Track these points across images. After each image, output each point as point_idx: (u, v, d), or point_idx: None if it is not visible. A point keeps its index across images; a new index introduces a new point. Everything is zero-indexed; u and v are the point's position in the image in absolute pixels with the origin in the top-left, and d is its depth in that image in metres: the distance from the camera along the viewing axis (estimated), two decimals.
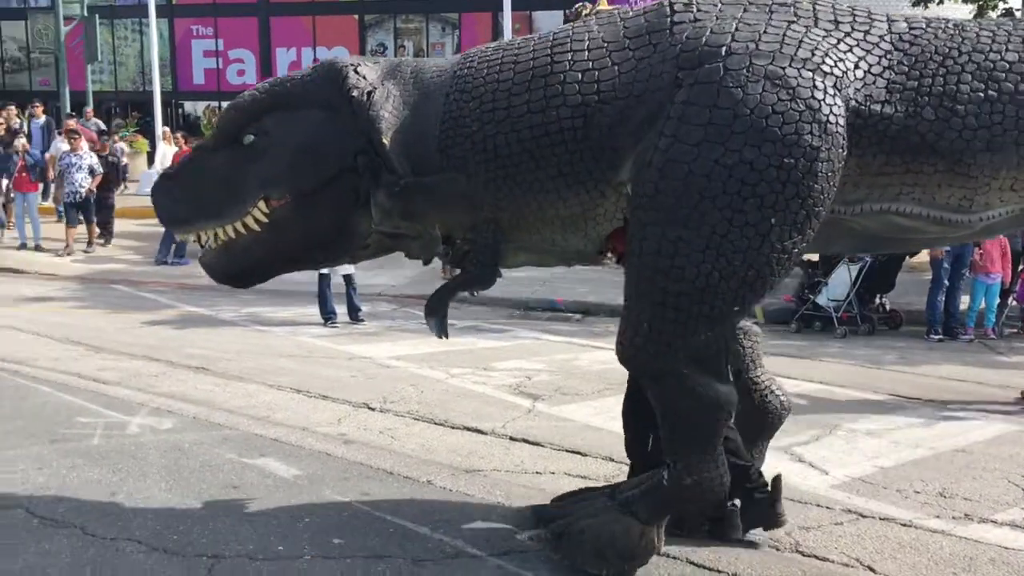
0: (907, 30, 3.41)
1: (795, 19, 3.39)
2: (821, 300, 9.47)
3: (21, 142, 14.02)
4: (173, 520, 4.16)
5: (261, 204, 3.89)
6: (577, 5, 4.19)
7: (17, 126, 16.33)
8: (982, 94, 3.24)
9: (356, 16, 27.16)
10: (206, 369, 7.14)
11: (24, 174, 13.35)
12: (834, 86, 3.24)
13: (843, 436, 5.78)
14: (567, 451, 5.25)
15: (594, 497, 3.98)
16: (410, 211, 3.73)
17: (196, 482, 4.65)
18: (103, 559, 3.79)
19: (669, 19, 3.48)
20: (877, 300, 9.61)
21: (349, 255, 4.16)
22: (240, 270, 4.10)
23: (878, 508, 4.54)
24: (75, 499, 4.39)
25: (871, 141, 3.29)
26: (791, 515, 4.39)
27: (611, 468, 5.03)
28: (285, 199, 3.87)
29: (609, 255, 3.92)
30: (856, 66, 3.30)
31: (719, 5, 3.50)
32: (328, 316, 9.15)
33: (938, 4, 13.68)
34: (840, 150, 3.23)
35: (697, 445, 3.50)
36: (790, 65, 3.23)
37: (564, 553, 3.72)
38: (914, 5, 13.87)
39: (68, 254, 12.85)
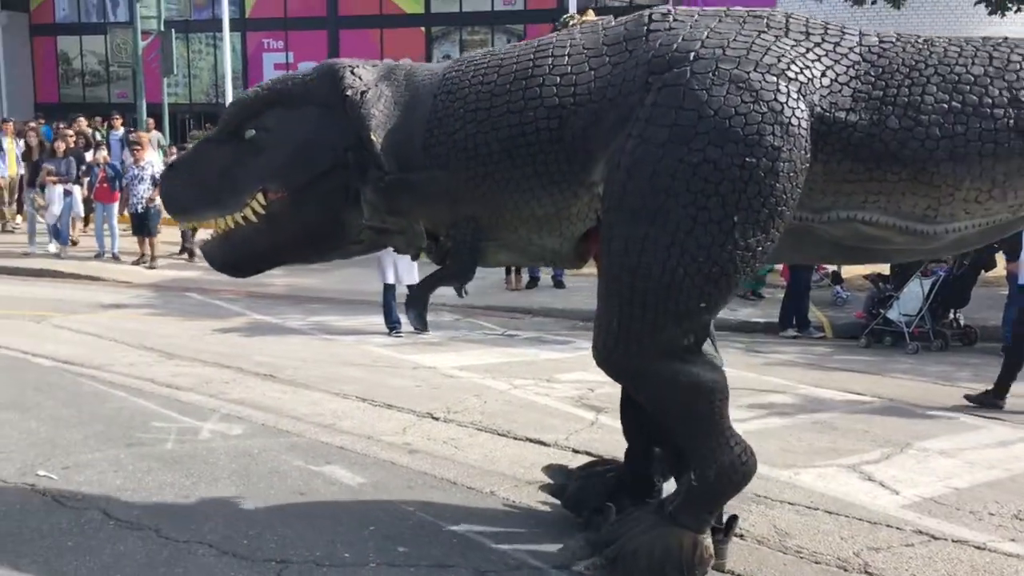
0: (877, 43, 3.52)
1: (766, 29, 3.51)
2: (892, 315, 9.26)
3: (102, 154, 14.35)
4: (243, 524, 4.25)
5: (259, 196, 4.06)
6: (565, 16, 4.39)
7: (94, 137, 16.87)
8: (946, 105, 3.31)
9: (423, 28, 27.51)
10: (274, 376, 7.28)
11: (105, 185, 13.60)
12: (798, 91, 3.33)
13: (914, 455, 5.64)
14: None
15: (641, 516, 3.95)
16: (395, 207, 3.88)
17: (265, 488, 4.75)
18: (175, 561, 3.89)
19: (646, 27, 3.61)
20: (951, 315, 9.37)
21: (341, 251, 4.28)
22: (239, 259, 4.29)
23: (951, 530, 4.43)
24: (150, 502, 4.53)
25: (836, 147, 3.36)
26: (860, 535, 4.33)
27: (672, 484, 5.00)
28: (282, 192, 4.02)
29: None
30: (823, 74, 3.40)
31: (695, 16, 3.65)
32: (392, 326, 9.26)
33: (1016, 11, 13.33)
34: (802, 152, 3.31)
35: (701, 434, 3.57)
36: (755, 70, 3.33)
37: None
38: (990, 13, 13.54)
39: (142, 263, 13.16)
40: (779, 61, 3.37)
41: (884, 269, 9.59)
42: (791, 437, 5.95)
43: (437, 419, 6.17)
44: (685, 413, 3.56)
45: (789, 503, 4.72)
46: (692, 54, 3.41)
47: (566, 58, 3.66)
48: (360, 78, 3.95)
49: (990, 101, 3.29)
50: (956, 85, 3.32)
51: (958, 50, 3.43)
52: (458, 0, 27.42)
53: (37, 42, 31.39)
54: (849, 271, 11.85)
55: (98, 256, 13.48)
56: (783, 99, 3.29)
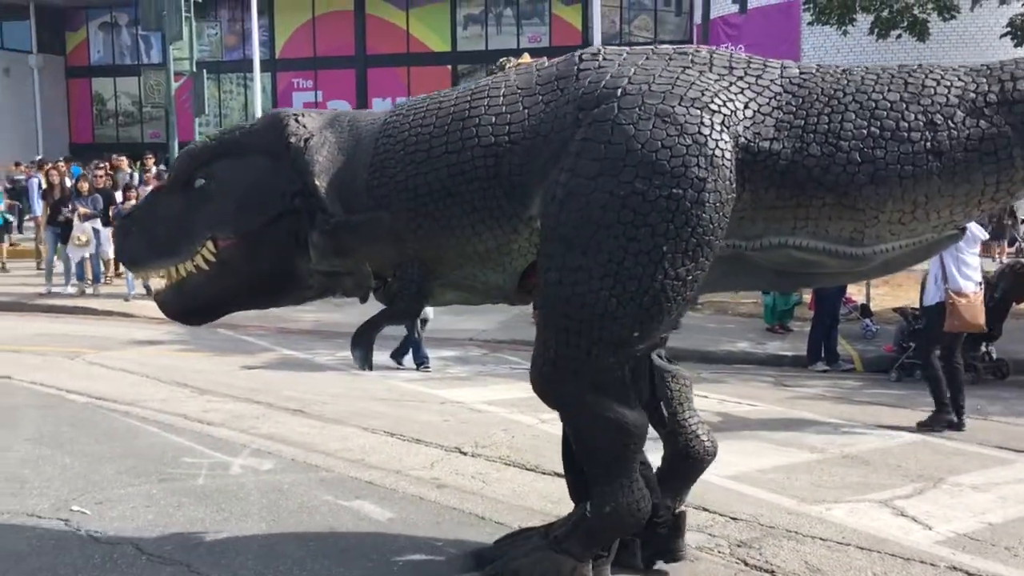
0: (797, 75, 3.59)
1: (690, 65, 3.60)
2: None
3: (132, 203, 14.33)
4: (273, 560, 4.28)
5: (209, 244, 4.15)
6: (501, 59, 4.46)
7: (128, 179, 17.08)
8: (865, 131, 3.39)
9: (449, 66, 27.83)
10: (303, 412, 7.34)
11: None
12: (722, 123, 3.42)
13: (947, 490, 5.58)
14: None
15: (529, 537, 4.06)
16: (341, 249, 3.96)
17: (295, 523, 4.78)
18: None
19: (576, 66, 3.72)
20: (982, 348, 9.27)
21: (293, 296, 4.30)
22: (192, 307, 4.37)
23: (985, 566, 4.37)
24: (181, 537, 4.57)
25: (762, 176, 3.44)
26: (893, 571, 4.28)
27: (703, 517, 4.98)
28: (232, 240, 4.11)
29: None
30: (746, 106, 3.48)
31: (624, 54, 3.75)
32: (421, 361, 9.31)
33: None
34: (727, 182, 3.39)
35: (610, 471, 3.65)
36: (679, 104, 3.42)
37: None
38: (1016, 46, 13.52)
39: None
40: (703, 95, 3.45)
41: (914, 302, 9.52)
42: (821, 472, 5.90)
43: (465, 454, 6.19)
44: (600, 447, 3.65)
45: (820, 538, 4.68)
46: (619, 90, 3.50)
47: (501, 98, 3.75)
48: (304, 126, 4.04)
49: (906, 125, 3.37)
50: (873, 111, 3.40)
51: (875, 78, 3.51)
52: (484, 38, 27.77)
53: (72, 84, 32.11)
54: (878, 304, 11.78)
55: (126, 299, 13.19)
56: (707, 131, 3.37)
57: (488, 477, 5.68)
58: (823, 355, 9.70)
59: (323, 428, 6.84)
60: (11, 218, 17.78)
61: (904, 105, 3.40)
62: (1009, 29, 13.84)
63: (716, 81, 3.53)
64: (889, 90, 3.45)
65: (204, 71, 18.98)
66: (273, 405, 7.54)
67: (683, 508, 4.21)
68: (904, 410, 7.80)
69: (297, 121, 4.07)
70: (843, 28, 14.32)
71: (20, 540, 4.50)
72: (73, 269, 13.97)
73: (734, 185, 3.41)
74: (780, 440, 6.71)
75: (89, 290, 13.72)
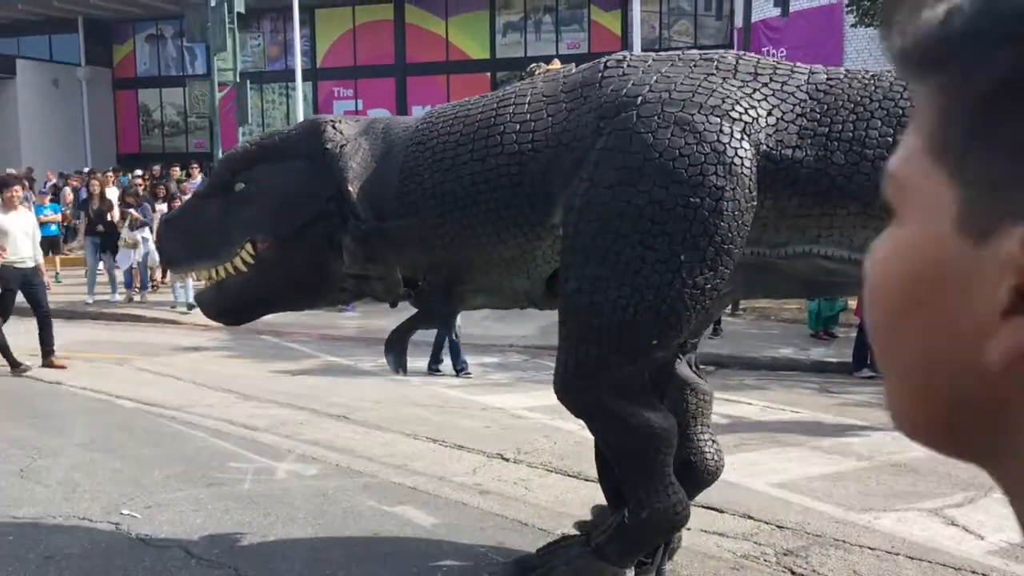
0: (824, 80, 3.50)
1: (714, 72, 3.54)
2: None
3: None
4: (319, 564, 4.32)
5: (248, 247, 4.24)
6: (531, 66, 4.51)
7: (166, 186, 17.23)
8: (891, 139, 3.28)
9: (488, 74, 27.91)
10: (347, 418, 7.39)
11: None
12: (743, 131, 3.36)
13: (999, 499, 5.44)
14: (702, 507, 5.15)
15: (569, 545, 4.05)
16: (373, 254, 4.05)
17: (339, 528, 4.82)
18: None
19: (600, 74, 3.70)
20: None
21: (328, 298, 4.43)
22: (231, 307, 4.45)
23: None
24: (229, 541, 4.63)
25: (785, 184, 3.38)
26: None
27: (748, 525, 4.93)
28: (269, 242, 4.20)
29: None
30: (769, 113, 3.42)
31: (649, 61, 3.71)
32: (461, 368, 9.30)
33: None
34: (747, 191, 3.33)
35: (642, 477, 3.65)
36: (699, 112, 3.38)
37: None
38: None
39: None
40: (723, 102, 3.42)
41: None
42: (869, 480, 5.82)
43: (507, 460, 6.19)
44: (630, 454, 3.66)
45: (869, 548, 4.61)
46: (640, 98, 3.48)
47: (526, 106, 3.78)
48: (341, 132, 4.14)
49: None
50: (900, 119, 3.31)
51: (904, 84, 3.37)
52: (523, 45, 27.82)
53: (119, 95, 32.71)
54: None
55: (173, 307, 13.32)
56: (726, 139, 3.34)
57: (531, 483, 5.68)
58: (869, 361, 9.55)
59: (367, 434, 6.89)
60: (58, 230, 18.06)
61: None
62: None
63: (739, 88, 3.48)
64: None
65: (247, 81, 19.24)
66: (317, 411, 7.61)
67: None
68: None
69: (334, 127, 4.16)
70: None
71: (72, 543, 4.59)
72: (120, 278, 14.19)
73: (754, 193, 3.37)
74: (826, 447, 6.62)
75: (137, 297, 13.94)
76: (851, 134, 3.35)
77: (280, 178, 4.23)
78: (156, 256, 14.31)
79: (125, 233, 13.75)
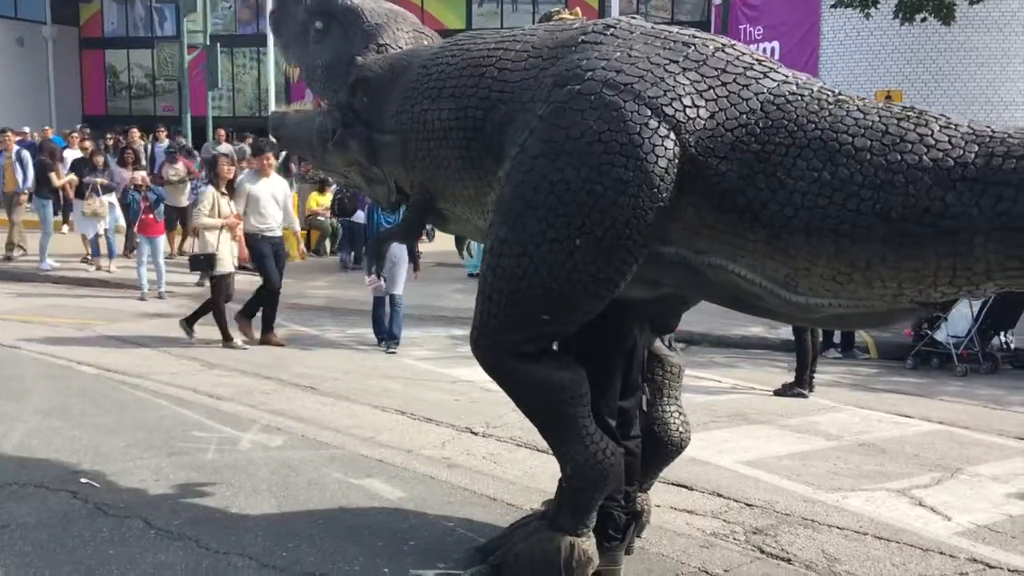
0: (786, 94, 3.24)
1: (679, 60, 3.37)
2: (940, 336, 9.06)
3: (141, 175, 12.64)
4: (282, 537, 4.23)
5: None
6: (551, 10, 4.53)
7: (114, 150, 15.89)
8: (816, 174, 3.05)
9: None
10: (314, 388, 7.29)
11: (150, 216, 11.55)
12: (672, 128, 3.23)
13: (966, 480, 5.49)
14: (672, 484, 5.13)
15: (528, 521, 4.01)
16: (374, 161, 4.27)
17: (304, 500, 4.73)
18: (216, 572, 3.88)
19: (580, 39, 3.61)
20: (1002, 337, 9.15)
21: (331, 164, 4.66)
22: (285, 134, 4.93)
23: (1006, 559, 4.29)
24: (190, 512, 4.53)
25: (705, 193, 3.23)
26: (912, 562, 4.21)
27: (718, 503, 4.91)
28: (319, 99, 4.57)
29: None
30: (712, 116, 3.25)
31: (636, 33, 3.57)
32: (382, 337, 9.14)
33: None
34: (654, 189, 3.21)
35: (555, 432, 3.63)
36: (634, 100, 3.27)
37: None
38: None
39: (201, 285, 12.00)
40: (664, 95, 3.26)
41: None
42: (838, 459, 5.82)
43: (476, 434, 6.13)
44: (538, 411, 3.65)
45: (837, 527, 4.61)
46: (589, 73, 3.37)
47: (513, 53, 3.74)
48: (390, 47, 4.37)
49: (861, 179, 2.98)
50: (833, 155, 3.04)
51: (860, 116, 3.12)
52: (499, 16, 27.54)
53: (86, 55, 32.01)
54: None
55: (142, 299, 11.55)
56: (647, 134, 3.21)
57: (499, 458, 5.62)
58: (836, 341, 9.59)
59: (333, 405, 6.79)
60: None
61: (868, 156, 3.00)
62: None
63: (693, 83, 3.30)
64: (864, 135, 3.05)
65: (218, 45, 18.87)
66: (283, 381, 7.50)
67: (646, 505, 4.17)
68: (922, 398, 7.70)
69: (378, 44, 4.38)
70: (866, 11, 14.08)
71: (28, 512, 4.46)
72: (88, 248, 13.77)
73: (665, 194, 3.22)
74: (795, 426, 6.62)
75: (104, 263, 13.57)
76: (779, 159, 3.11)
77: (334, 40, 4.51)
78: (123, 222, 13.97)
79: (90, 202, 13.23)
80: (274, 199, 9.17)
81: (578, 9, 4.74)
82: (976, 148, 2.93)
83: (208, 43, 18.42)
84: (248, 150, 16.05)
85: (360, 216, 12.88)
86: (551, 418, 3.60)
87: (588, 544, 3.68)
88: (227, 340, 8.92)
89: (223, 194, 9.03)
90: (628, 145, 3.22)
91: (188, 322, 9.16)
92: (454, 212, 4.06)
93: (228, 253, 8.98)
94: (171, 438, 5.74)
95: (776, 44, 19.41)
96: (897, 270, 2.97)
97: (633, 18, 3.76)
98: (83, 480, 4.91)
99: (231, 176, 9.24)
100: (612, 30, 3.61)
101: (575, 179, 3.27)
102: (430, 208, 4.09)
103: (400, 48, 4.39)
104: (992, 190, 2.85)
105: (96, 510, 4.52)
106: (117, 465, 5.19)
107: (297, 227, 9.63)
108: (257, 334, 9.17)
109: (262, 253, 9.08)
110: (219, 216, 8.92)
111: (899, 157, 2.98)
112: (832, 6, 15.09)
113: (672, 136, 3.23)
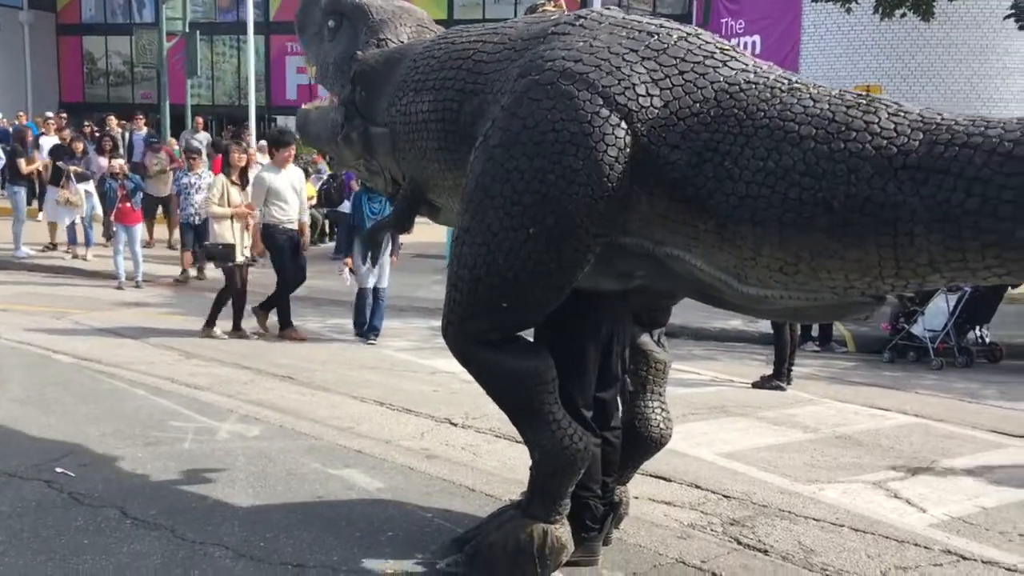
0: (742, 82, 3.17)
1: (638, 49, 3.34)
2: (916, 330, 9.15)
3: (119, 163, 12.28)
4: (259, 527, 4.21)
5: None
6: (537, 2, 4.55)
7: (93, 138, 15.90)
8: (762, 163, 2.98)
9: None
10: (292, 378, 7.25)
11: (127, 204, 11.50)
12: (623, 118, 3.20)
13: (941, 473, 5.54)
14: (651, 476, 5.15)
15: (504, 511, 4.02)
16: (370, 151, 4.31)
17: (282, 490, 4.71)
18: (192, 562, 3.86)
19: (549, 30, 3.62)
20: (976, 332, 9.24)
21: (343, 155, 4.68)
22: (309, 131, 5.05)
23: (980, 551, 4.33)
24: (166, 502, 4.49)
25: (656, 182, 3.19)
26: (887, 554, 4.24)
27: (696, 495, 4.93)
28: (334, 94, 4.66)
29: None
30: (665, 105, 3.20)
31: (604, 23, 3.55)
32: (361, 330, 9.13)
33: None
34: (604, 179, 3.20)
35: (522, 419, 3.63)
36: (587, 89, 3.26)
37: (481, 572, 3.76)
38: (1020, 28, 13.41)
39: (184, 280, 12.11)
40: (618, 84, 3.23)
41: None
42: (815, 452, 5.86)
43: (455, 425, 6.12)
44: (504, 398, 3.66)
45: (814, 519, 4.64)
46: (549, 64, 3.36)
47: (491, 45, 3.75)
48: (387, 42, 4.40)
49: (803, 168, 2.90)
50: (779, 144, 2.97)
51: (809, 104, 3.03)
52: (481, 7, 27.46)
53: (63, 41, 31.65)
54: None
55: (119, 288, 11.42)
56: (598, 123, 3.20)
57: (478, 449, 5.62)
58: (813, 334, 9.65)
59: (312, 395, 6.77)
60: None
61: (812, 144, 2.92)
62: (1013, 12, 13.71)
63: (649, 72, 3.26)
64: (810, 123, 2.96)
65: (197, 32, 18.71)
66: (262, 371, 7.46)
67: (624, 497, 4.18)
68: (898, 392, 7.77)
69: (379, 40, 4.46)
70: (846, 6, 14.15)
71: (1, 501, 4.42)
72: (64, 237, 13.64)
73: (615, 184, 3.20)
74: (772, 419, 6.66)
75: (81, 251, 13.45)
76: (727, 148, 3.05)
77: (344, 37, 4.64)
78: (100, 211, 13.80)
79: (64, 191, 13.04)
80: (293, 188, 9.04)
81: (562, 2, 4.71)
82: (921, 136, 2.81)
83: (187, 30, 18.27)
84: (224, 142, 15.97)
85: (346, 206, 12.84)
86: (518, 405, 3.61)
87: (561, 531, 3.67)
88: (208, 327, 8.85)
89: (234, 183, 8.95)
90: (579, 134, 3.21)
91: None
92: (440, 202, 4.10)
93: (239, 243, 8.90)
94: (148, 428, 5.70)
95: (757, 38, 19.50)
96: (842, 260, 2.89)
97: (607, 9, 3.75)
98: (58, 469, 4.86)
99: (242, 164, 9.15)
100: (581, 21, 3.59)
101: (528, 168, 3.27)
102: (420, 198, 4.13)
103: (400, 43, 4.42)
104: (933, 179, 2.73)
105: (71, 500, 4.48)
106: (93, 454, 5.15)
107: (307, 218, 9.55)
108: (255, 327, 9.10)
109: (280, 246, 8.96)
110: (228, 205, 8.84)
111: (842, 145, 2.88)
112: (813, 1, 15.14)
113: (623, 125, 3.20)
